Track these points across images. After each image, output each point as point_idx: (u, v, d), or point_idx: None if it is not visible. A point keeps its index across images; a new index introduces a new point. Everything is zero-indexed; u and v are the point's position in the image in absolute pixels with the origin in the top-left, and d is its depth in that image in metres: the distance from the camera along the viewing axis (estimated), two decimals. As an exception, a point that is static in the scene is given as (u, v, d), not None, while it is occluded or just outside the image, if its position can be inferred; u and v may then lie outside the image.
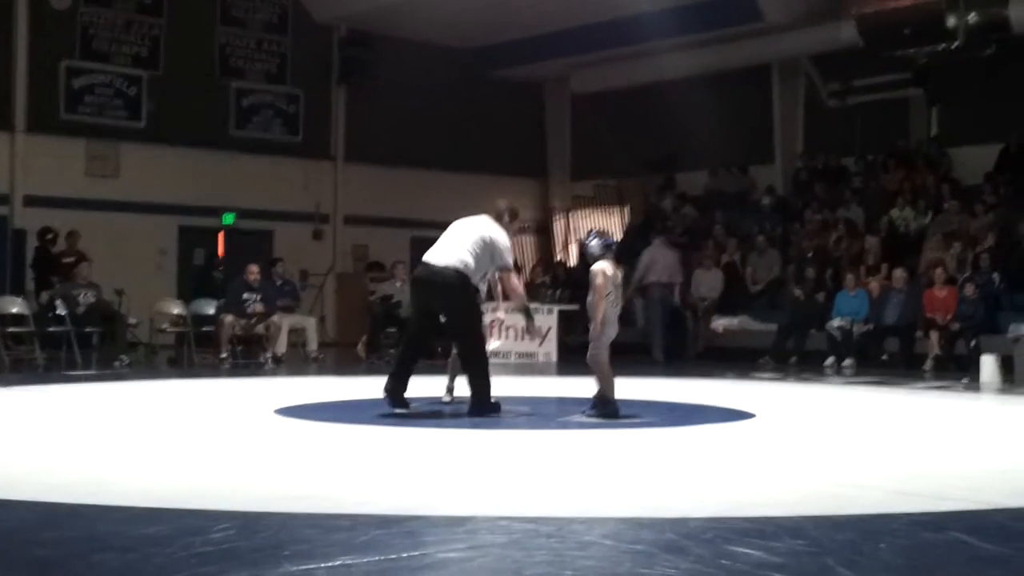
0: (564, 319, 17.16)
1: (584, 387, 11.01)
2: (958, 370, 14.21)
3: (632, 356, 17.14)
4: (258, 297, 15.38)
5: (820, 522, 4.55)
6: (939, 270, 15.63)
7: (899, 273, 15.96)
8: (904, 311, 15.65)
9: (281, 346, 15.45)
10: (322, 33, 21.89)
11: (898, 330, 15.65)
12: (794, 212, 20.03)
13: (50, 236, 17.28)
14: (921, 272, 16.36)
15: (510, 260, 8.60)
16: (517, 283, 8.90)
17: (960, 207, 17.52)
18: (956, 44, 17.01)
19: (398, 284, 16.39)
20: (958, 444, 7.61)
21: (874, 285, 16.24)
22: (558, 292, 18.88)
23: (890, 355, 15.76)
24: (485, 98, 22.88)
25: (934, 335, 15.09)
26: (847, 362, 15.43)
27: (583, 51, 21.75)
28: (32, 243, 17.72)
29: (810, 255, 17.99)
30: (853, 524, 4.54)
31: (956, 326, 15.02)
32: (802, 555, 3.94)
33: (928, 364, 14.92)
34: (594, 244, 8.33)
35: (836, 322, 15.83)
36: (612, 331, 8.29)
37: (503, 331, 15.88)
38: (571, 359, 16.15)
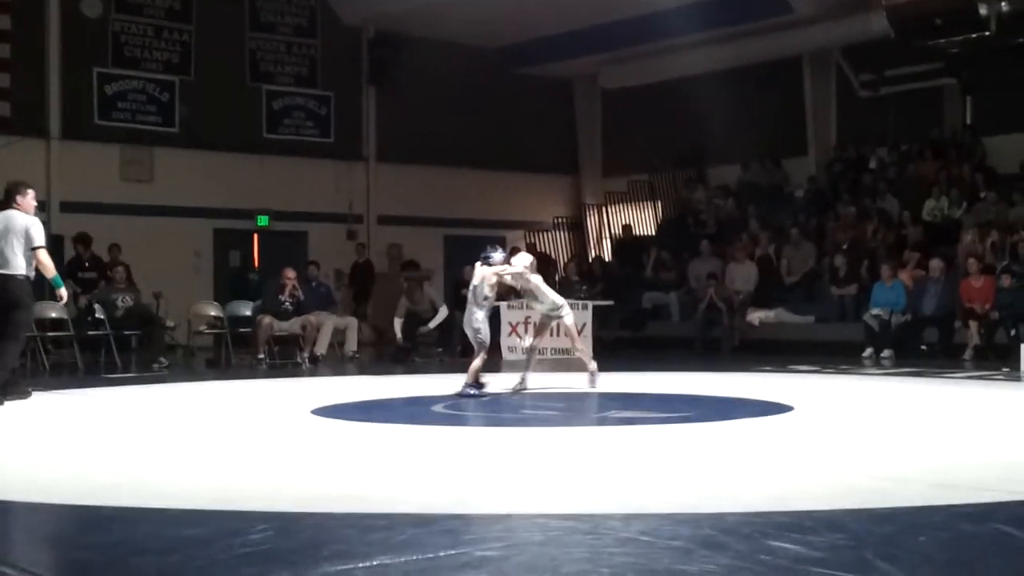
0: (599, 315, 17.10)
1: (620, 383, 11.01)
2: (998, 359, 14.08)
3: (671, 350, 17.20)
4: (293, 299, 15.43)
5: (859, 516, 4.52)
6: (972, 260, 15.50)
7: (936, 263, 15.82)
8: (942, 301, 15.52)
9: (322, 346, 15.52)
10: (351, 35, 21.96)
11: (936, 320, 15.53)
12: (828, 204, 19.91)
13: (80, 245, 17.38)
14: (960, 262, 16.22)
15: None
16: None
17: (997, 197, 17.37)
18: (989, 33, 16.84)
19: (427, 302, 16.32)
20: (998, 435, 7.52)
21: (907, 275, 16.13)
22: (594, 288, 18.84)
23: (929, 345, 15.64)
24: (515, 96, 22.88)
25: (973, 324, 14.96)
26: (885, 353, 15.31)
27: (612, 47, 21.70)
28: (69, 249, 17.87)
29: (845, 247, 17.89)
30: (892, 517, 4.51)
31: (995, 315, 14.89)
32: (841, 549, 3.92)
33: (968, 354, 14.79)
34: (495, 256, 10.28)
35: (874, 312, 15.72)
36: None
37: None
38: (607, 355, 16.14)
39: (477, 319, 10.06)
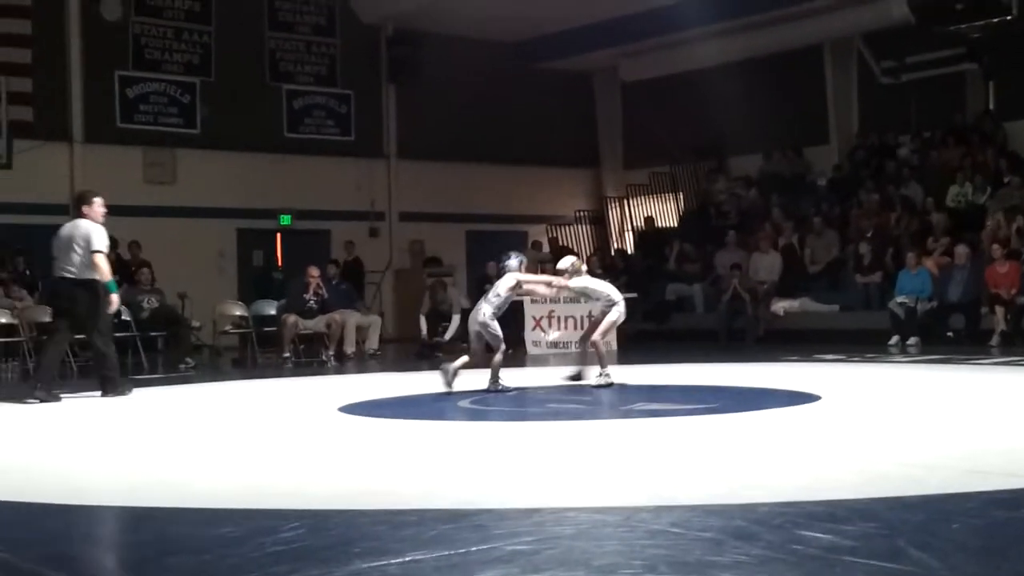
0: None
1: (645, 376, 10.99)
2: (1025, 345, 14.00)
3: (696, 342, 17.17)
4: (318, 297, 15.48)
5: (891, 504, 4.50)
6: (996, 245, 15.40)
7: (961, 249, 15.73)
8: (968, 287, 15.43)
9: (349, 344, 15.56)
10: (369, 33, 22.02)
11: (962, 307, 15.44)
12: (851, 192, 19.83)
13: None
14: (985, 247, 16.12)
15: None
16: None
17: (1021, 182, 17.25)
18: (1010, 17, 16.72)
19: (450, 302, 16.45)
20: (1028, 421, 7.49)
21: (932, 262, 16.04)
22: (617, 280, 18.78)
23: (955, 332, 15.54)
24: (534, 90, 22.87)
25: (999, 310, 14.86)
26: (912, 341, 15.23)
27: (630, 40, 21.65)
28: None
29: (869, 234, 17.81)
30: (925, 505, 4.48)
31: (1022, 300, 14.79)
32: (874, 538, 3.90)
33: (995, 340, 14.70)
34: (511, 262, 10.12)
35: (899, 300, 15.64)
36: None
37: (563, 322, 15.93)
38: (631, 347, 16.12)
39: (484, 314, 9.94)
